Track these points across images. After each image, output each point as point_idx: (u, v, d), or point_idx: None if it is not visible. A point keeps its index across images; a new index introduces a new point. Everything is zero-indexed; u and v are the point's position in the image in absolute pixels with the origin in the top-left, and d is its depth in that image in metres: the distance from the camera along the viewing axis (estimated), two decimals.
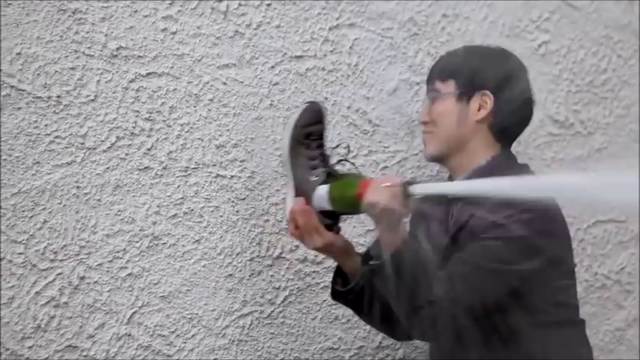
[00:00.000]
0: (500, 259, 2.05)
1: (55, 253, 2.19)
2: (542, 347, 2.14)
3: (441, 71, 2.10)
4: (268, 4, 2.38)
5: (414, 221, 2.38)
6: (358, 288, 2.19)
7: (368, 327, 2.52)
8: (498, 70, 2.18)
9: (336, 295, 2.22)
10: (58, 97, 2.19)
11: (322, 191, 2.04)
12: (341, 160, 2.08)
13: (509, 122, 2.08)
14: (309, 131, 2.08)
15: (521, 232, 1.94)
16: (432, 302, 2.03)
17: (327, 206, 2.01)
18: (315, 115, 2.08)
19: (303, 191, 2.05)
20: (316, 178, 2.04)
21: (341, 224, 2.22)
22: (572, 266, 2.20)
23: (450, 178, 2.29)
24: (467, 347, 2.17)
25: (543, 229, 2.07)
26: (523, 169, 2.22)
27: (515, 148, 2.51)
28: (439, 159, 2.30)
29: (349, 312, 2.43)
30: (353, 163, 2.22)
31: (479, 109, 2.08)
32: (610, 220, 2.97)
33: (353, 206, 1.94)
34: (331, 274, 2.30)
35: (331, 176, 2.02)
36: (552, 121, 2.85)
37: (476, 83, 2.09)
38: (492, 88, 2.15)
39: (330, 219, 2.02)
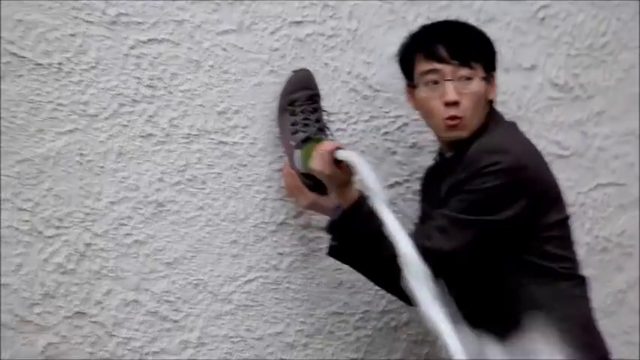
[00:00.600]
0: (475, 210, 2.16)
1: (61, 220, 2.22)
2: (531, 299, 2.18)
3: (472, 52, 2.21)
4: None
5: (423, 185, 2.44)
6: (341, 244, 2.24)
7: (372, 291, 2.57)
8: (495, 48, 2.27)
9: (331, 252, 2.26)
10: (59, 64, 2.22)
11: (297, 154, 2.20)
12: (323, 128, 2.24)
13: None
14: (294, 98, 2.24)
15: (491, 182, 2.14)
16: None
17: (302, 169, 2.19)
18: (299, 82, 2.23)
19: (288, 155, 2.24)
20: (293, 143, 2.20)
21: None
22: (562, 216, 2.22)
23: (443, 152, 2.34)
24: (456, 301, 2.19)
25: (514, 179, 2.17)
26: (502, 126, 2.35)
27: (516, 112, 2.55)
28: (465, 140, 2.34)
29: (354, 277, 2.48)
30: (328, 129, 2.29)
31: (491, 87, 2.30)
32: (610, 183, 3.01)
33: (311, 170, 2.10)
34: None
35: (307, 140, 2.16)
36: (552, 85, 2.88)
37: (494, 64, 2.29)
38: (495, 65, 2.28)
39: (311, 180, 2.18)
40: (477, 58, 2.19)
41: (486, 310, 2.23)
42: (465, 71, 2.19)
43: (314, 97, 2.20)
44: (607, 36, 3.00)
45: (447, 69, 2.19)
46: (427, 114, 2.25)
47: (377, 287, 2.41)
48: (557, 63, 2.92)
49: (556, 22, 2.92)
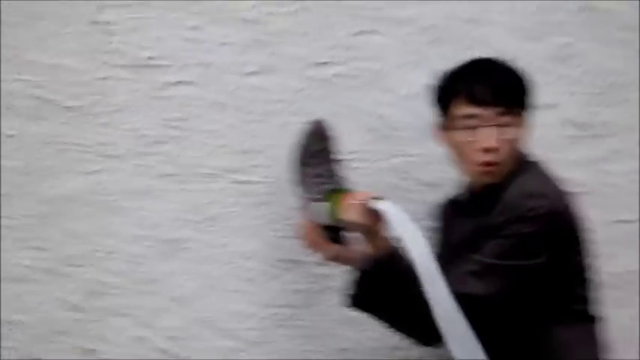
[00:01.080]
0: (512, 255, 2.06)
1: (82, 257, 2.29)
2: (562, 342, 2.26)
3: (517, 96, 2.17)
4: (293, 12, 2.44)
5: (436, 228, 2.49)
6: (368, 292, 2.28)
7: (381, 328, 2.62)
8: (531, 90, 2.22)
9: (351, 302, 2.32)
10: (86, 106, 2.26)
11: (321, 207, 2.18)
12: (340, 180, 2.23)
13: None
14: (314, 150, 2.21)
15: (528, 228, 2.07)
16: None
17: (326, 221, 2.16)
18: (317, 134, 2.22)
19: (306, 209, 2.21)
20: (317, 196, 2.17)
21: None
22: (581, 259, 2.17)
23: (471, 190, 2.36)
24: (483, 345, 2.25)
25: (549, 225, 2.07)
26: (532, 166, 2.24)
27: (537, 151, 2.56)
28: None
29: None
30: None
31: (524, 130, 2.23)
32: (624, 220, 3.06)
33: (341, 220, 2.11)
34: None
35: (332, 191, 2.15)
36: (572, 123, 2.91)
37: (528, 107, 2.21)
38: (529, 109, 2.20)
39: (333, 232, 2.17)
40: (518, 102, 2.15)
41: (517, 355, 2.17)
42: (507, 118, 2.14)
43: (332, 149, 2.20)
44: (625, 75, 3.03)
45: (489, 114, 2.13)
46: (461, 157, 2.20)
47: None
48: (577, 101, 2.96)
49: (578, 60, 2.95)
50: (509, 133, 2.17)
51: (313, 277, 2.60)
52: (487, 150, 2.16)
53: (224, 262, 2.47)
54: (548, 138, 2.93)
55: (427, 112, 2.69)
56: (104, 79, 2.26)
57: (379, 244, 2.20)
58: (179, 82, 2.36)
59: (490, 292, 2.16)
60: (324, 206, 2.30)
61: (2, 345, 2.16)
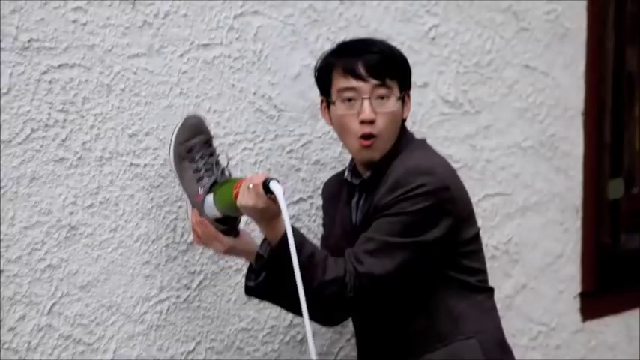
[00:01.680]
0: (405, 232, 2.18)
1: None
2: (452, 312, 2.39)
3: (390, 69, 2.25)
4: None
5: (325, 208, 2.50)
6: (266, 280, 2.30)
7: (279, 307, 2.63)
8: (409, 66, 2.35)
9: (250, 291, 2.32)
10: None
11: (209, 200, 2.25)
12: (223, 170, 2.29)
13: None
14: (190, 146, 2.28)
15: (419, 204, 2.17)
16: (335, 280, 2.13)
17: (217, 213, 2.25)
18: (192, 129, 2.30)
19: (195, 206, 2.28)
20: (201, 190, 2.24)
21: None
22: (476, 230, 2.32)
23: (354, 165, 2.39)
24: (382, 320, 2.29)
25: (439, 200, 2.20)
26: (417, 144, 2.37)
27: (411, 128, 2.69)
28: (377, 161, 2.33)
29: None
30: (230, 174, 2.34)
31: (405, 107, 2.35)
32: (497, 193, 3.17)
33: (235, 209, 2.18)
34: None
35: (215, 184, 2.24)
36: (443, 101, 3.03)
37: (408, 83, 2.35)
38: (410, 87, 2.35)
39: (225, 224, 2.26)
40: (393, 76, 2.25)
41: (409, 325, 2.27)
42: (382, 90, 2.24)
43: (209, 142, 2.29)
44: (492, 54, 3.17)
45: (364, 87, 2.23)
46: (342, 131, 2.31)
47: None
48: (447, 80, 3.06)
49: (446, 41, 3.06)
50: (386, 106, 2.27)
51: (210, 259, 2.59)
52: (364, 122, 2.25)
53: (120, 246, 2.46)
54: (421, 116, 3.03)
55: (309, 92, 2.74)
56: None
57: (277, 227, 2.25)
58: (63, 65, 2.32)
59: (387, 269, 2.26)
60: (212, 198, 2.28)
61: None
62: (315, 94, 2.85)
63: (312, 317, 2.11)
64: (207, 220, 2.26)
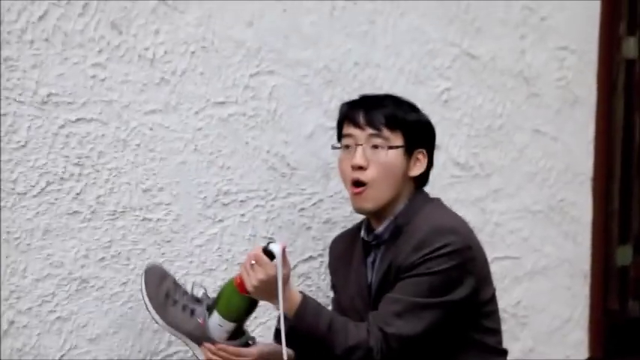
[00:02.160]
0: (432, 292, 2.16)
1: None
2: None
3: (389, 119, 2.24)
4: (192, 52, 2.49)
5: (333, 268, 2.47)
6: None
7: None
8: (431, 128, 2.34)
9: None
10: None
11: (214, 321, 2.20)
12: (198, 300, 2.24)
13: (427, 174, 2.39)
14: (164, 291, 2.23)
15: (446, 264, 2.16)
16: (359, 345, 2.15)
17: (227, 328, 2.19)
18: (157, 278, 2.25)
19: (202, 337, 2.21)
20: (201, 320, 2.18)
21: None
22: (493, 291, 2.32)
23: (368, 223, 2.38)
24: None
25: (464, 259, 2.20)
26: (435, 203, 2.35)
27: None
28: (371, 212, 2.33)
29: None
30: (207, 296, 2.28)
31: (414, 165, 2.32)
32: (506, 256, 3.16)
33: (247, 304, 2.17)
34: (254, 312, 2.39)
35: (210, 307, 2.19)
36: (454, 163, 3.03)
37: (421, 140, 2.32)
38: (428, 146, 2.28)
39: (238, 337, 2.20)
40: (394, 127, 2.24)
41: None
42: (377, 139, 2.24)
43: (176, 281, 2.27)
44: (503, 118, 3.18)
45: (359, 134, 2.26)
46: (342, 178, 2.34)
47: None
48: (458, 143, 3.07)
49: (458, 104, 3.08)
50: (379, 155, 2.25)
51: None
52: (354, 167, 2.26)
53: (130, 300, 2.45)
54: (433, 177, 3.03)
55: (322, 151, 2.75)
56: (5, 115, 2.22)
57: (288, 298, 2.16)
58: (80, 119, 2.34)
59: (416, 330, 2.24)
60: (216, 317, 2.21)
61: None
62: (328, 153, 2.86)
63: None
64: (222, 345, 2.18)
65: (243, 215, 2.69)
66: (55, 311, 2.45)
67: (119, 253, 2.53)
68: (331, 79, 2.89)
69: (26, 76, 2.40)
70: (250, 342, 2.21)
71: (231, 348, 2.15)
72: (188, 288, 2.28)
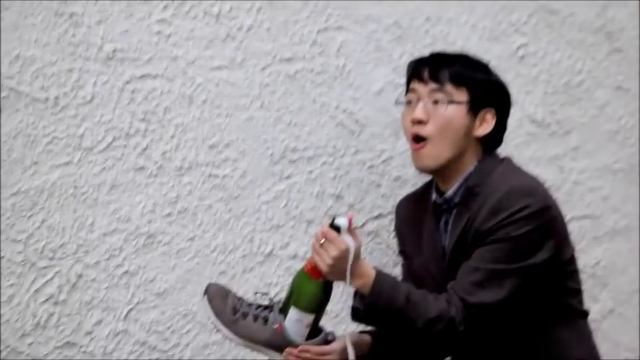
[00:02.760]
0: (512, 258, 2.06)
1: (54, 251, 2.26)
2: (561, 342, 2.24)
3: (454, 75, 2.13)
4: (259, 8, 2.48)
5: (402, 233, 2.45)
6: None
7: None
8: (503, 89, 2.25)
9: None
10: (56, 98, 2.26)
11: (291, 318, 2.07)
12: (266, 307, 2.11)
13: (498, 137, 2.24)
14: (231, 307, 2.10)
15: (524, 228, 2.04)
16: (441, 316, 2.09)
17: (308, 320, 2.06)
18: (219, 295, 2.12)
19: (281, 343, 2.08)
20: (277, 325, 2.06)
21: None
22: (572, 250, 2.19)
23: (436, 185, 2.32)
24: (483, 351, 2.20)
25: (543, 221, 2.09)
26: (507, 163, 2.22)
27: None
28: (432, 171, 2.23)
29: (338, 307, 2.50)
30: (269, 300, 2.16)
31: (480, 124, 2.17)
32: (585, 215, 3.07)
33: (322, 290, 2.05)
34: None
35: (283, 307, 2.07)
36: (530, 121, 2.96)
37: (487, 99, 2.19)
38: (497, 106, 2.20)
39: (316, 335, 2.08)
40: (459, 83, 2.14)
41: (511, 355, 2.16)
42: (438, 94, 2.14)
43: (236, 295, 2.15)
44: (582, 74, 3.07)
45: (421, 89, 2.16)
46: (404, 133, 2.24)
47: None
48: (535, 100, 2.98)
49: (534, 60, 2.98)
50: (440, 110, 2.15)
51: (286, 271, 2.57)
52: (414, 121, 2.17)
53: (196, 256, 2.45)
54: (507, 135, 2.94)
55: (392, 108, 2.70)
56: (70, 70, 2.24)
57: (362, 275, 2.06)
58: (146, 75, 2.34)
59: (497, 298, 2.14)
60: (293, 314, 2.09)
61: None
62: (397, 110, 2.80)
63: (425, 357, 2.16)
64: (305, 345, 2.06)
65: (310, 172, 2.66)
66: (122, 265, 2.46)
67: (185, 209, 2.53)
68: (401, 35, 2.82)
69: (91, 32, 2.40)
70: (330, 338, 2.09)
71: (314, 347, 2.04)
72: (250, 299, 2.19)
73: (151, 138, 2.47)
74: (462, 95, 2.18)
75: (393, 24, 2.80)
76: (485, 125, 2.21)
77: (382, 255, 2.73)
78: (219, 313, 2.08)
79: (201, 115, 2.53)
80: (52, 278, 2.36)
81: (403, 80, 2.67)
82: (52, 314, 2.36)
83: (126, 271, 2.44)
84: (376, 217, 2.77)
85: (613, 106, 3.26)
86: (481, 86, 2.21)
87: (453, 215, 2.28)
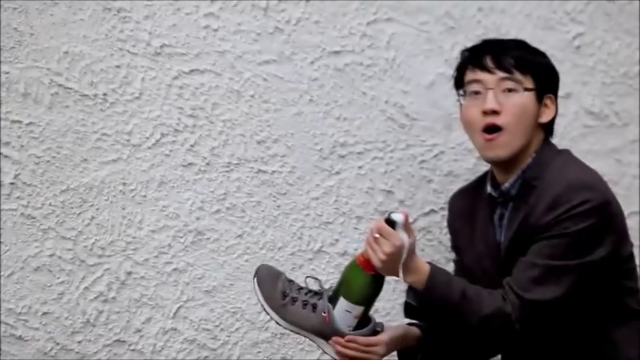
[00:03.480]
0: (570, 254, 2.04)
1: (103, 249, 2.30)
2: (617, 341, 2.22)
3: (519, 61, 2.12)
4: (307, 0, 2.46)
5: (454, 227, 2.43)
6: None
7: None
8: (558, 75, 2.24)
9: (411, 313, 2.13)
10: (105, 94, 2.30)
11: (340, 309, 2.06)
12: (316, 293, 2.09)
13: (553, 124, 2.24)
14: (281, 291, 2.09)
15: (584, 223, 2.03)
16: (496, 313, 2.08)
17: (357, 311, 2.06)
18: (271, 278, 2.11)
19: (328, 332, 2.07)
20: (325, 314, 2.04)
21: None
22: (631, 247, 2.17)
23: (492, 177, 2.31)
24: (537, 350, 2.20)
25: (603, 216, 2.06)
26: (565, 155, 2.21)
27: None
28: (503, 161, 2.18)
29: (388, 304, 2.51)
30: (320, 288, 2.12)
31: (544, 111, 2.19)
32: None
33: (374, 282, 2.04)
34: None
35: (333, 297, 2.04)
36: (587, 113, 2.94)
37: (550, 85, 2.20)
38: (556, 91, 2.21)
39: (363, 326, 2.06)
40: (525, 70, 2.13)
41: (566, 353, 2.14)
42: (509, 83, 2.12)
43: (288, 278, 2.12)
44: None
45: (490, 78, 2.13)
46: (467, 126, 2.19)
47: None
48: (592, 91, 2.96)
49: (591, 50, 2.97)
50: (513, 99, 2.13)
51: (336, 268, 2.59)
52: (486, 112, 2.13)
53: (245, 253, 2.47)
54: (563, 127, 2.94)
55: (444, 101, 2.70)
56: (118, 67, 2.28)
57: (417, 271, 2.06)
58: (194, 71, 2.37)
59: (555, 295, 2.12)
60: (342, 303, 2.08)
61: (35, 336, 2.15)
62: (449, 103, 2.80)
63: (476, 354, 2.16)
64: (352, 335, 2.05)
65: (360, 167, 2.67)
66: (171, 263, 2.50)
67: (234, 205, 2.56)
68: (453, 25, 2.82)
69: (139, 27, 2.44)
70: (379, 329, 2.08)
71: (361, 338, 2.02)
72: (302, 282, 2.16)
73: (199, 134, 2.50)
74: (529, 82, 2.17)
75: (444, 15, 2.80)
76: (548, 112, 2.21)
77: (434, 252, 2.74)
78: (267, 297, 2.08)
79: (249, 110, 2.55)
80: (101, 276, 2.41)
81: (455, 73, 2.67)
82: (101, 312, 2.40)
83: (175, 269, 2.48)
84: (427, 213, 2.77)
85: None
86: (544, 71, 2.21)
87: (509, 209, 2.25)
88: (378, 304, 2.55)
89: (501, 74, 2.13)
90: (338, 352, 2.02)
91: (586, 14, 3.02)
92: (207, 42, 2.47)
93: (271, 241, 2.56)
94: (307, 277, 2.12)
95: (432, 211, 2.77)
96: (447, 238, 2.77)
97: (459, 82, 2.26)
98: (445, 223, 2.76)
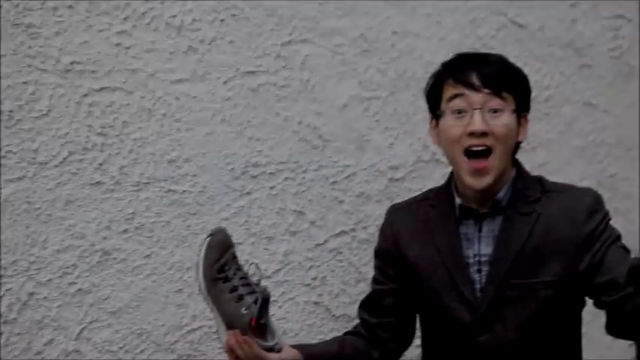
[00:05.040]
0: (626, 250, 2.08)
1: (5, 268, 2.26)
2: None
3: (506, 81, 2.02)
4: (222, 20, 2.45)
5: (402, 240, 2.21)
6: None
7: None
8: (530, 90, 2.17)
9: None
10: (11, 111, 2.23)
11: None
12: (254, 285, 2.02)
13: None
14: (221, 264, 1.99)
15: (611, 230, 2.12)
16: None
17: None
18: (221, 246, 2.01)
19: (238, 326, 2.01)
20: (247, 311, 1.98)
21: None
22: None
23: (457, 189, 2.11)
24: None
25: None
26: (533, 180, 2.14)
27: None
28: (489, 187, 2.04)
29: (297, 326, 2.50)
30: (258, 283, 2.05)
31: (521, 129, 2.12)
32: None
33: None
34: (282, 287, 2.36)
35: (266, 301, 1.99)
36: None
37: (527, 103, 2.13)
38: (529, 109, 2.15)
39: (266, 335, 2.03)
40: (510, 89, 2.02)
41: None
42: (496, 102, 1.99)
43: (235, 254, 2.01)
44: (550, 89, 3.09)
45: (476, 97, 1.98)
46: (448, 145, 2.02)
47: None
48: None
49: None
50: (501, 119, 2.03)
51: None
52: (473, 134, 1.99)
53: (153, 273, 2.43)
54: None
55: (357, 123, 2.69)
56: (26, 83, 2.21)
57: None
58: (104, 88, 2.33)
59: None
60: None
61: None
62: (362, 125, 2.80)
63: None
64: (250, 339, 1.99)
65: (272, 188, 2.65)
66: (75, 283, 2.45)
67: (142, 225, 2.52)
68: (368, 48, 2.82)
69: (49, 43, 2.38)
70: (275, 347, 2.04)
71: (256, 347, 1.97)
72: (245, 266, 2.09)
73: (109, 152, 2.45)
74: (512, 101, 2.07)
75: (358, 37, 2.80)
76: (523, 130, 2.13)
77: (344, 273, 2.74)
78: (207, 265, 1.99)
79: (160, 129, 2.51)
80: (2, 296, 2.34)
81: (369, 94, 2.67)
82: (1, 333, 2.34)
83: (79, 289, 2.43)
84: (338, 234, 2.77)
85: (581, 122, 3.28)
86: (525, 89, 2.14)
87: (498, 220, 2.07)
88: (287, 326, 2.54)
89: (486, 92, 2.00)
90: (228, 344, 1.97)
91: (497, 40, 3.05)
92: (118, 60, 2.42)
93: (180, 262, 2.52)
94: (251, 263, 2.04)
95: (343, 232, 2.76)
96: (356, 259, 2.76)
97: (436, 96, 2.11)
98: (355, 244, 2.75)
